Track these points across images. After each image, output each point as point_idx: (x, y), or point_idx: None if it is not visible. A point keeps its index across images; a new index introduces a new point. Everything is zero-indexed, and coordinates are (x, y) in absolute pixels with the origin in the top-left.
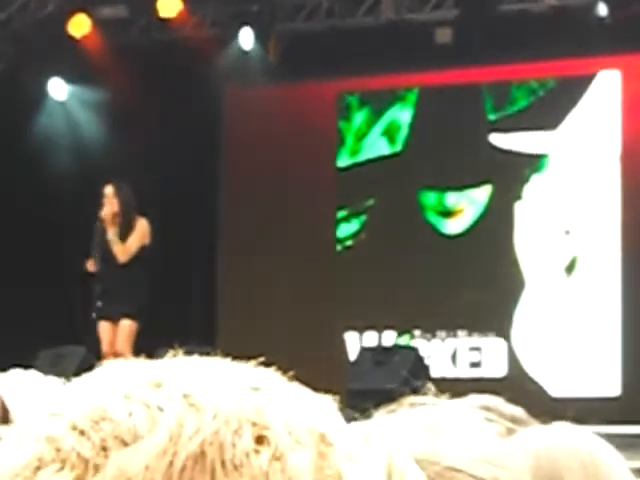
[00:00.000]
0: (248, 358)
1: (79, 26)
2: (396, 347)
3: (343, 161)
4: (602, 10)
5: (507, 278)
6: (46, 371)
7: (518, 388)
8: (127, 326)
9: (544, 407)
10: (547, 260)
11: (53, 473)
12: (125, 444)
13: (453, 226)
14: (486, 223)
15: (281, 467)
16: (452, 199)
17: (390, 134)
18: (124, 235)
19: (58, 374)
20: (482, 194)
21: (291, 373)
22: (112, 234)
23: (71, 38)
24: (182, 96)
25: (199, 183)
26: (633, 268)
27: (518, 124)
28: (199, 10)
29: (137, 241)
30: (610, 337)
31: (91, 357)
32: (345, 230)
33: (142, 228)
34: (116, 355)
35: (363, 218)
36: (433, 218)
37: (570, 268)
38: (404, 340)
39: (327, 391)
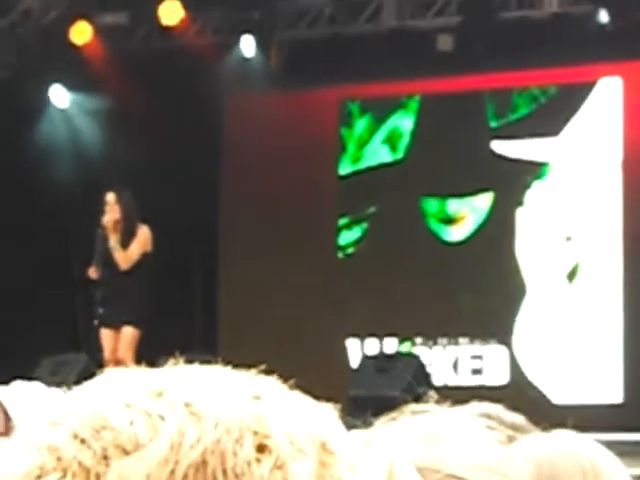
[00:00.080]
0: (249, 366)
1: (81, 34)
2: (398, 354)
3: (345, 168)
4: (603, 17)
5: (509, 285)
6: (47, 379)
7: (520, 395)
8: (129, 333)
9: (546, 414)
10: (549, 267)
11: None
12: (126, 453)
13: (455, 233)
14: (488, 230)
15: (282, 476)
16: (454, 206)
17: (392, 141)
18: (126, 242)
19: (59, 382)
20: (484, 201)
21: (292, 381)
22: (114, 241)
23: (73, 45)
24: (184, 103)
25: (200, 190)
26: (635, 275)
27: (520, 131)
28: (201, 18)
29: (139, 248)
30: (612, 344)
31: (93, 364)
32: (347, 237)
33: (144, 235)
34: (118, 362)
35: (365, 225)
36: (435, 225)
37: (572, 275)
38: (406, 347)
39: (329, 398)
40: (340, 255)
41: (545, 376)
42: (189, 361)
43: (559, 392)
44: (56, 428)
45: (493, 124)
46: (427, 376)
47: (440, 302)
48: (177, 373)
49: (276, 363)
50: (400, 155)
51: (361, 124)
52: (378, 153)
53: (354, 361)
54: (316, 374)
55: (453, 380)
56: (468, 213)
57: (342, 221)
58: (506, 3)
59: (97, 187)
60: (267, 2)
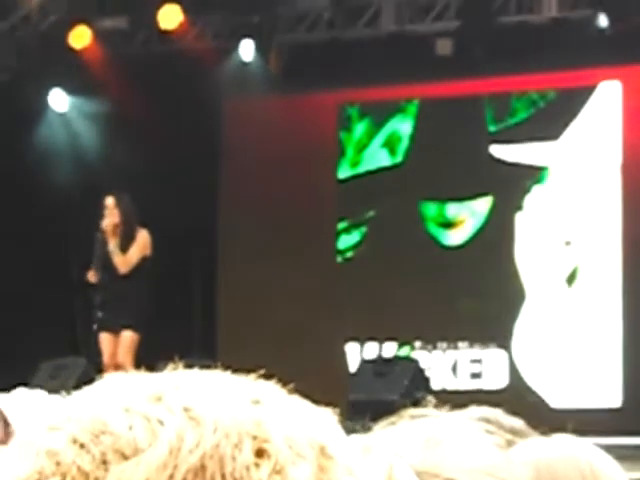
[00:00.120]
0: (248, 370)
1: (80, 38)
2: (397, 358)
3: (344, 172)
4: (602, 21)
5: (508, 289)
6: (46, 383)
7: (519, 399)
8: (128, 337)
9: (545, 418)
10: (548, 271)
11: None
12: (125, 457)
13: (454, 237)
14: (487, 234)
15: None
16: (453, 210)
17: (391, 145)
18: (125, 246)
19: (58, 386)
20: (483, 205)
21: (291, 386)
22: (113, 245)
23: (72, 50)
24: (183, 107)
25: (199, 194)
26: (634, 279)
27: (519, 135)
28: (200, 22)
29: (138, 252)
30: (611, 348)
31: (92, 369)
32: (346, 241)
33: (143, 239)
34: (117, 367)
35: (364, 229)
36: (434, 229)
37: (571, 279)
38: (405, 351)
39: (328, 403)
40: (339, 259)
41: (544, 380)
42: (188, 366)
43: (558, 396)
44: (55, 433)
45: (492, 128)
46: (426, 380)
47: (439, 306)
48: (176, 378)
49: (275, 367)
50: (399, 159)
51: (360, 128)
52: (377, 157)
53: (353, 365)
54: (315, 378)
55: (452, 384)
56: (467, 217)
57: (341, 225)
58: (505, 7)
59: (96, 191)
60: (266, 6)
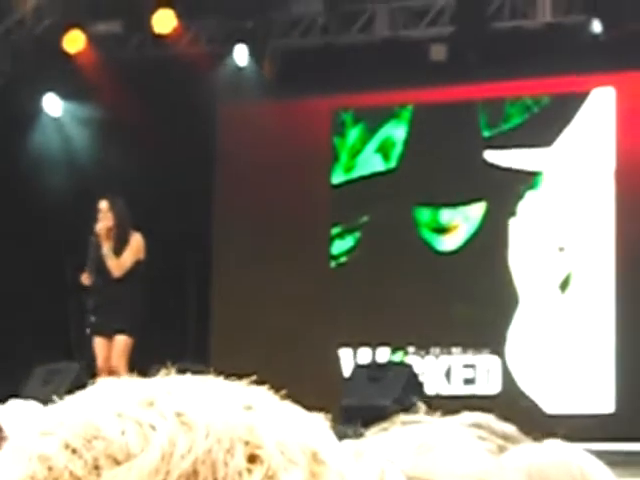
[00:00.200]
0: (242, 375)
1: (74, 42)
2: (390, 364)
3: (337, 177)
4: (596, 27)
5: (501, 295)
6: (40, 387)
7: (512, 405)
8: (122, 342)
9: (538, 424)
10: (541, 277)
11: None
12: (117, 463)
13: (447, 243)
14: (480, 240)
15: None
16: (446, 216)
17: (384, 151)
18: (119, 250)
19: (52, 391)
20: (476, 211)
21: (283, 391)
22: (107, 248)
23: (66, 54)
24: (176, 112)
25: (193, 198)
26: (627, 285)
27: (512, 141)
28: (194, 26)
29: (131, 256)
30: (604, 354)
31: (85, 373)
32: (339, 247)
33: (136, 243)
34: (111, 371)
35: (357, 235)
36: (427, 235)
37: (564, 285)
38: (398, 357)
39: (321, 408)
40: (333, 264)
41: (537, 386)
42: (181, 371)
43: (551, 402)
44: (47, 438)
45: (486, 134)
46: (419, 385)
47: (433, 311)
48: (168, 383)
49: (269, 372)
50: (393, 164)
51: (354, 133)
52: (371, 162)
53: (346, 370)
54: (309, 383)
55: (445, 389)
56: (461, 223)
57: (335, 230)
58: (499, 13)
59: (90, 195)
60: (260, 11)
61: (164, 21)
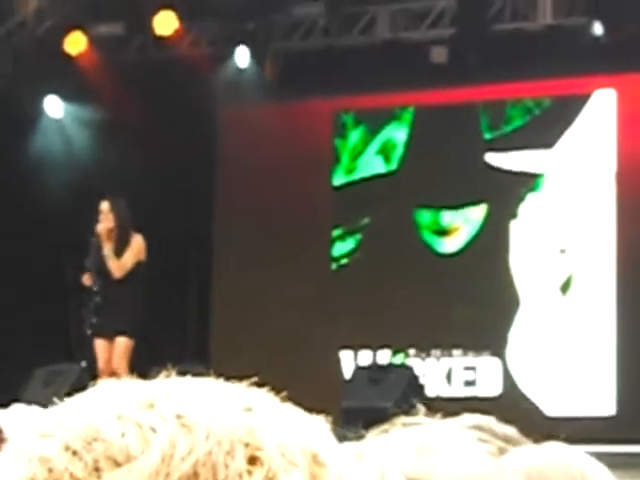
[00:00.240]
0: (242, 377)
1: (75, 44)
2: (391, 366)
3: (338, 179)
4: (598, 29)
5: (502, 297)
6: (41, 389)
7: (513, 407)
8: (123, 343)
9: (539, 426)
10: (542, 279)
11: None
12: (118, 464)
13: (448, 245)
14: (481, 242)
15: None
16: (447, 218)
17: (385, 153)
18: (119, 251)
19: (52, 392)
20: (477, 213)
21: (284, 393)
22: (107, 249)
23: (67, 56)
24: (178, 113)
25: (194, 200)
26: (628, 287)
27: (514, 143)
28: (195, 28)
29: (132, 257)
30: (605, 356)
31: (87, 375)
32: (340, 249)
33: (137, 244)
34: (112, 373)
35: (358, 237)
36: (428, 237)
37: (565, 287)
38: (399, 359)
39: (322, 410)
40: (334, 266)
41: (538, 388)
42: (181, 373)
43: (552, 404)
44: (48, 440)
45: (487, 136)
46: (420, 387)
47: (433, 313)
48: (169, 385)
49: (269, 374)
50: (394, 166)
51: (355, 135)
52: (372, 164)
53: (347, 372)
54: (309, 385)
55: (446, 391)
56: (462, 225)
57: (336, 232)
58: (500, 15)
59: (91, 197)
60: (262, 13)
61: (165, 23)
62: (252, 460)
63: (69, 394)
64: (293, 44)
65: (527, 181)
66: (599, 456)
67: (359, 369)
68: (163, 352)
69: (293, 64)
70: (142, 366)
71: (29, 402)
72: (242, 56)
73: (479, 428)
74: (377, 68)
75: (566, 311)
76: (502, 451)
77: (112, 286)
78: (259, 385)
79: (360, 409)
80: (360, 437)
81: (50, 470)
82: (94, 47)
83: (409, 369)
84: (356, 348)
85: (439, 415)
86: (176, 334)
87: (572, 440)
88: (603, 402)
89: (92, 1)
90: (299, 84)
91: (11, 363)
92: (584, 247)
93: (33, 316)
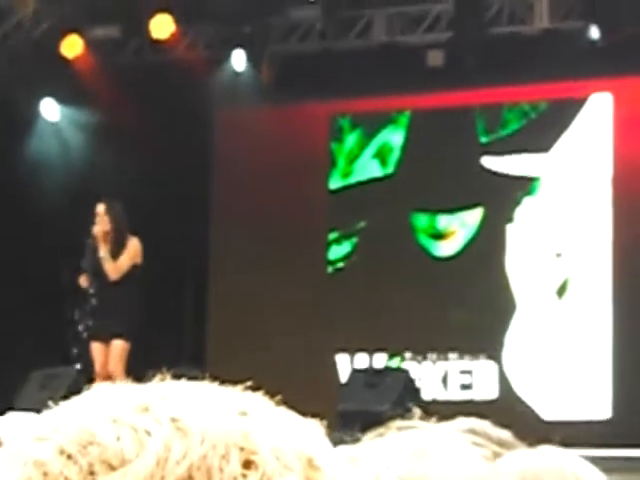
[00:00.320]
0: (239, 381)
1: (72, 47)
2: (387, 369)
3: (335, 183)
4: (594, 33)
5: (498, 300)
6: (37, 392)
7: (509, 411)
8: (119, 346)
9: (535, 430)
10: (538, 283)
11: None
12: (112, 468)
13: (445, 248)
14: (478, 245)
15: None
16: (444, 221)
17: (382, 156)
18: (116, 253)
19: (48, 395)
20: (474, 216)
21: (279, 397)
22: (103, 252)
23: (64, 59)
24: (174, 116)
25: (191, 203)
26: (624, 291)
27: (510, 147)
28: (192, 32)
29: (128, 260)
30: (601, 360)
31: (83, 378)
32: (336, 252)
33: (134, 247)
34: (109, 376)
35: (354, 240)
36: (425, 240)
37: (561, 291)
38: (395, 362)
39: (318, 413)
40: (330, 270)
41: (534, 392)
42: (176, 376)
43: (548, 408)
44: (43, 443)
45: (483, 139)
46: (416, 391)
47: (429, 317)
48: (164, 388)
49: (265, 377)
50: (390, 170)
51: (351, 139)
52: (368, 168)
53: (343, 376)
54: (306, 388)
55: (442, 395)
56: (458, 228)
57: (332, 236)
58: (497, 19)
59: (87, 201)
60: (258, 17)
61: (162, 26)
62: (247, 464)
63: (65, 397)
64: (290, 47)
65: (523, 185)
66: (595, 460)
67: (355, 372)
68: (159, 355)
69: (290, 67)
70: (138, 369)
71: (25, 405)
72: (239, 59)
73: (474, 432)
74: (374, 72)
75: (562, 315)
76: (497, 455)
77: (108, 288)
78: (254, 389)
79: (356, 412)
80: (356, 440)
81: (45, 474)
82: (90, 50)
83: (405, 372)
84: (352, 351)
85: (435, 419)
86: (172, 337)
87: (568, 444)
88: (599, 406)
89: (89, 4)
90: (295, 87)
91: (7, 366)
92: (580, 251)
93: (29, 319)
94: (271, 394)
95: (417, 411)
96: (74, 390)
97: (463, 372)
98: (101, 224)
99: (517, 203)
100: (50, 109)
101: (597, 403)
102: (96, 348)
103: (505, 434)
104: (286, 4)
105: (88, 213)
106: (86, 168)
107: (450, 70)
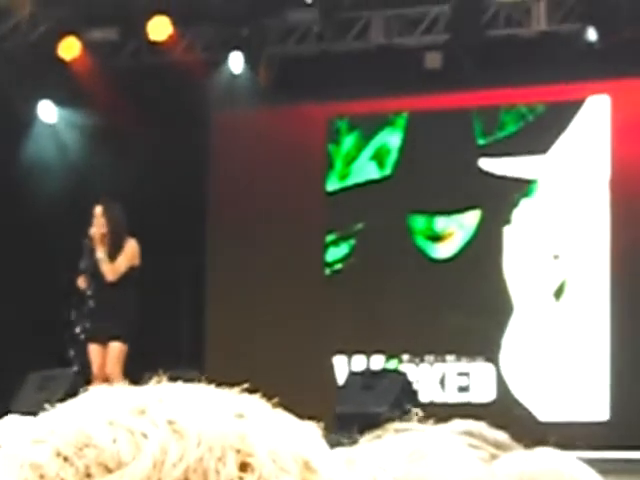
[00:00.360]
0: (236, 382)
1: (69, 49)
2: (384, 371)
3: (332, 185)
4: (591, 35)
5: (496, 302)
6: (34, 394)
7: (506, 413)
8: (116, 348)
9: (532, 432)
10: (536, 285)
11: None
12: (109, 471)
13: (442, 250)
14: (475, 247)
15: None
16: (441, 223)
17: (379, 158)
18: (113, 255)
19: (46, 397)
20: (471, 218)
21: (276, 399)
22: (100, 253)
23: (61, 61)
24: (172, 119)
25: (188, 205)
26: (622, 293)
27: (507, 149)
28: (189, 34)
29: (126, 261)
30: (598, 362)
31: (80, 380)
32: (334, 254)
33: (131, 249)
34: (106, 378)
35: (352, 242)
36: (422, 242)
37: (559, 293)
38: (392, 364)
39: (315, 415)
40: (327, 272)
41: (532, 394)
42: (173, 378)
43: (545, 410)
44: (39, 446)
45: (481, 141)
46: (413, 393)
47: (427, 319)
48: (160, 391)
49: (263, 379)
50: (388, 172)
51: (349, 141)
52: (366, 170)
53: (341, 378)
54: (303, 391)
55: (440, 397)
56: (455, 230)
57: (329, 237)
58: (494, 21)
59: (85, 202)
60: (256, 19)
61: (159, 28)
62: (243, 466)
63: (62, 399)
64: (287, 49)
65: (521, 187)
66: (592, 462)
67: (353, 374)
68: (157, 357)
69: (287, 69)
70: (136, 371)
71: (22, 406)
72: (236, 61)
73: (470, 434)
74: (371, 73)
75: (560, 317)
76: (493, 457)
77: (106, 290)
78: (251, 391)
79: (354, 414)
80: (354, 442)
81: (42, 476)
82: (88, 52)
83: (402, 375)
84: (350, 353)
85: (432, 421)
86: (170, 339)
87: (565, 446)
88: (597, 407)
89: (86, 6)
90: (293, 89)
91: (4, 367)
92: (578, 253)
93: (27, 320)
94: (269, 396)
95: (418, 413)
96: (71, 392)
97: (460, 374)
98: (98, 225)
99: (514, 205)
100: (48, 111)
101: (595, 405)
102: (93, 350)
103: (502, 436)
104: (284, 6)
105: (86, 215)
106: (83, 170)
107: (448, 72)
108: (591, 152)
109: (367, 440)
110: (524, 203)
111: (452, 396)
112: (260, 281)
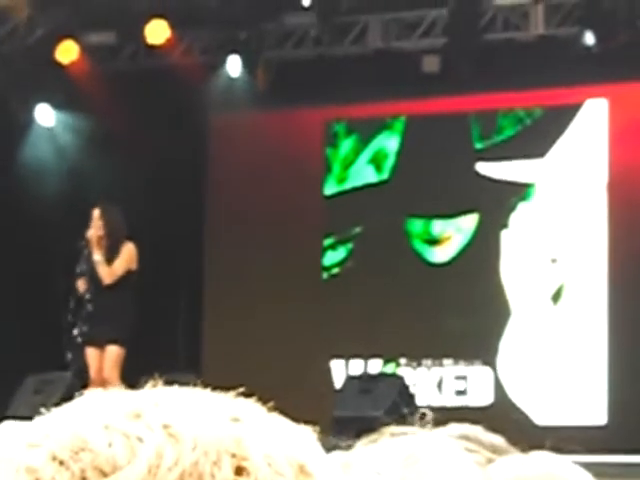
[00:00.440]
0: (233, 387)
1: (67, 52)
2: (382, 375)
3: (330, 189)
4: (589, 39)
5: (493, 306)
6: (31, 397)
7: (504, 417)
8: (114, 352)
9: (530, 435)
10: (533, 289)
11: None
12: (104, 475)
13: (439, 254)
14: (473, 251)
15: None
16: (439, 227)
17: (377, 162)
18: (110, 258)
19: (42, 400)
20: (469, 222)
21: (272, 403)
22: (97, 256)
23: (59, 64)
24: (169, 122)
25: (185, 208)
26: (619, 297)
27: (505, 153)
28: (187, 37)
29: (123, 264)
30: (596, 366)
31: (77, 384)
32: (331, 258)
33: (129, 253)
34: (104, 382)
35: (350, 246)
36: (420, 246)
37: (556, 297)
38: (390, 368)
39: (313, 419)
40: (325, 275)
41: (529, 397)
42: (169, 382)
43: (543, 413)
44: (35, 450)
45: (478, 145)
46: (411, 397)
47: (424, 323)
48: (156, 395)
49: (260, 383)
50: (385, 176)
51: (346, 144)
52: (363, 173)
53: (338, 382)
54: (300, 394)
55: (437, 401)
56: (453, 234)
57: (327, 241)
58: (492, 25)
59: (83, 206)
60: (253, 23)
61: (157, 32)
62: (239, 470)
63: (59, 403)
64: (285, 53)
65: (518, 191)
66: (590, 466)
67: (350, 378)
68: (154, 361)
69: (285, 73)
70: (133, 375)
71: (19, 409)
72: (234, 65)
73: (466, 438)
74: (369, 77)
75: (557, 321)
76: (489, 461)
77: (103, 294)
78: (249, 395)
79: (351, 418)
80: (349, 446)
81: None
82: (85, 56)
83: (400, 378)
84: (347, 357)
85: (429, 425)
86: (167, 343)
87: (563, 450)
88: (595, 412)
89: (84, 10)
90: (291, 93)
91: (1, 370)
92: (575, 257)
93: (24, 323)
94: (266, 400)
95: (417, 417)
96: (68, 395)
97: (458, 378)
98: (95, 228)
99: (512, 209)
100: (45, 115)
101: (593, 409)
102: (91, 353)
103: (498, 440)
104: (281, 10)
105: (83, 218)
106: (81, 173)
107: (445, 76)
108: (589, 156)
109: (363, 444)
110: (522, 207)
111: (450, 400)
112: (257, 285)
